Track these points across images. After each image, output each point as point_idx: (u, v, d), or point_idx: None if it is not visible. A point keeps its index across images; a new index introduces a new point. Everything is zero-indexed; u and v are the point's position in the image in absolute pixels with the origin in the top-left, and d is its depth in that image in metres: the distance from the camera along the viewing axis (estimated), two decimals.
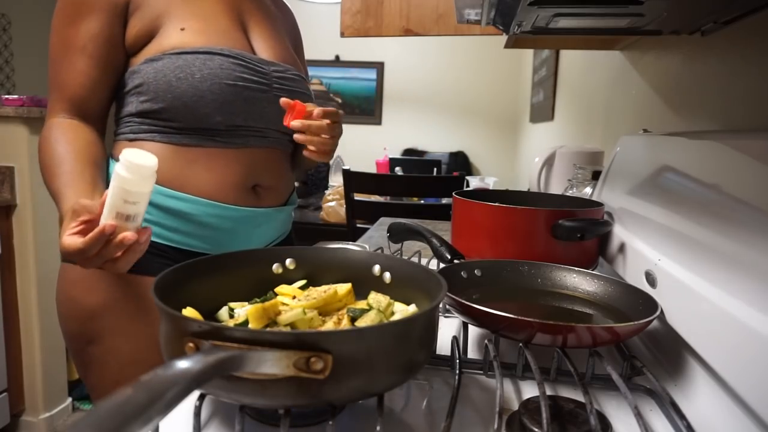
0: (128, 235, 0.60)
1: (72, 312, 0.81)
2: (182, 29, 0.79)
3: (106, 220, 0.60)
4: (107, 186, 0.62)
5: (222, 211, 0.82)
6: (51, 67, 0.80)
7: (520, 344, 0.54)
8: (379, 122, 4.71)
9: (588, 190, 1.12)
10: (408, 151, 4.56)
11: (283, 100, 0.81)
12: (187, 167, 0.80)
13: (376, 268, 0.62)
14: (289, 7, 1.08)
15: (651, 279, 0.65)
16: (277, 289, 0.59)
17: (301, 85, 0.93)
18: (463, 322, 0.62)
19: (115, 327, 0.80)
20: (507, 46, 1.44)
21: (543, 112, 2.92)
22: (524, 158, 3.80)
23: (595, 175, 1.14)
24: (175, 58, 0.77)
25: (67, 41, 0.78)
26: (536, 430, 0.44)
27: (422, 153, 4.53)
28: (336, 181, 3.02)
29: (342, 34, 1.91)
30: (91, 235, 0.60)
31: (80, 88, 0.79)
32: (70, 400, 2.12)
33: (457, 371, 0.53)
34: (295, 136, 0.83)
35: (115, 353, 0.80)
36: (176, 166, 0.80)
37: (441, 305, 0.71)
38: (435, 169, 3.19)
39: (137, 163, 0.58)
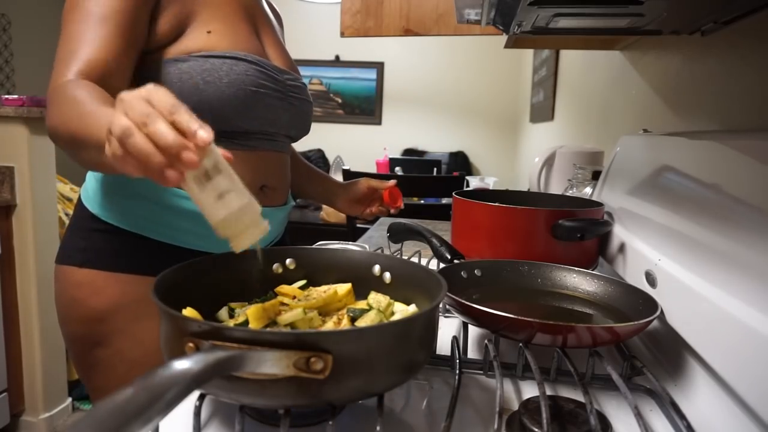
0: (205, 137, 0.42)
1: (77, 314, 0.80)
2: (209, 32, 0.78)
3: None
4: None
5: None
6: (64, 39, 0.69)
7: (520, 344, 0.54)
8: (379, 122, 4.71)
9: (588, 190, 1.12)
10: (408, 151, 4.56)
11: (393, 187, 1.10)
12: None
13: (376, 268, 0.62)
14: (280, 14, 1.09)
15: (651, 279, 0.65)
16: (277, 289, 0.59)
17: (306, 93, 0.95)
18: (463, 322, 0.62)
19: (124, 329, 0.79)
20: (507, 46, 1.44)
21: (543, 112, 2.92)
22: (524, 158, 3.80)
23: (595, 175, 1.14)
24: (202, 61, 0.76)
25: (90, 10, 0.70)
26: (536, 430, 0.44)
27: (422, 153, 4.53)
28: None
29: (342, 34, 1.91)
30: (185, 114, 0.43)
31: (104, 56, 0.69)
32: (70, 400, 2.12)
33: (457, 371, 0.53)
34: (371, 211, 1.14)
35: (123, 355, 0.79)
36: None
37: (441, 305, 0.71)
38: (435, 169, 3.19)
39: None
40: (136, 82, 0.77)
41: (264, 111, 0.83)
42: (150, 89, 0.44)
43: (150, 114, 0.42)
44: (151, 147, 0.42)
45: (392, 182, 1.11)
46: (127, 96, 0.44)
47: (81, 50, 0.68)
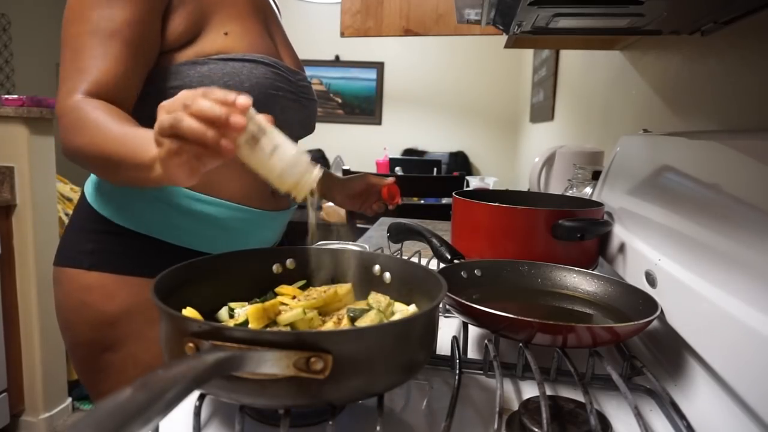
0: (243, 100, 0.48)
1: (86, 318, 0.78)
2: (225, 33, 0.77)
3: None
4: None
5: (245, 214, 0.83)
6: (69, 53, 0.67)
7: (520, 344, 0.54)
8: (379, 122, 4.71)
9: (588, 190, 1.12)
10: (408, 151, 4.56)
11: (392, 184, 1.10)
12: (217, 172, 0.77)
13: (376, 268, 0.62)
14: (278, 4, 1.08)
15: (651, 279, 0.65)
16: (277, 289, 0.59)
17: (312, 93, 0.95)
18: (463, 322, 0.62)
19: (136, 333, 0.78)
20: (507, 46, 1.44)
21: (543, 112, 2.92)
22: (524, 158, 3.80)
23: (595, 175, 1.14)
24: (222, 65, 0.75)
25: (97, 24, 0.67)
26: (536, 430, 0.44)
27: (422, 153, 4.53)
28: None
29: (342, 34, 1.91)
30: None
31: (113, 75, 0.67)
32: (70, 400, 2.12)
33: (457, 371, 0.53)
34: (371, 208, 1.13)
35: (136, 359, 0.78)
36: (206, 171, 0.78)
37: (441, 305, 0.71)
38: (435, 169, 3.20)
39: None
40: (150, 82, 0.74)
41: (280, 113, 0.81)
42: (178, 94, 0.49)
43: (187, 98, 0.47)
44: (202, 125, 0.46)
45: (391, 179, 1.12)
46: (164, 102, 0.49)
47: (89, 69, 0.66)
